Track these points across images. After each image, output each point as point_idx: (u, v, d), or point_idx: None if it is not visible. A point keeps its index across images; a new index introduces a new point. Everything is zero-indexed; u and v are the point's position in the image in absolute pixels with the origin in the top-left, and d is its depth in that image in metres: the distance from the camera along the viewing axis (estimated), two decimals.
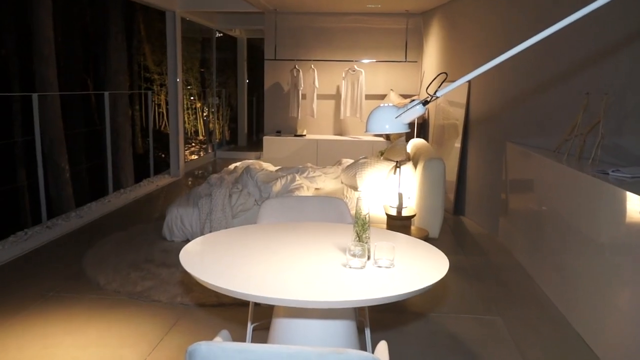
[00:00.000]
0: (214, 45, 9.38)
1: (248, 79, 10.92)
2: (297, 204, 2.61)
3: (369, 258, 1.82)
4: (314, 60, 7.64)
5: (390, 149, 4.62)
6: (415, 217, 4.14)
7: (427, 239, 3.92)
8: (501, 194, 4.47)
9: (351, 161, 5.21)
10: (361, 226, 1.86)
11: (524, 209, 3.93)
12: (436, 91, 1.61)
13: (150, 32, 12.38)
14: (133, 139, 11.01)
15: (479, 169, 5.05)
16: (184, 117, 8.18)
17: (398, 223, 3.92)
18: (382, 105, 1.76)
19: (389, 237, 2.16)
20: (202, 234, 4.04)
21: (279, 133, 7.83)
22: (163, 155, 11.40)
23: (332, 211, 2.55)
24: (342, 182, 4.84)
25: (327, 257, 1.87)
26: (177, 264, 3.56)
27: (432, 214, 4.21)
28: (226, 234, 2.17)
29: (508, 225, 4.29)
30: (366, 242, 1.85)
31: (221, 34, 10.12)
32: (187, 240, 4.05)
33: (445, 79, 1.68)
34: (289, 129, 7.97)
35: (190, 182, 6.92)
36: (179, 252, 1.89)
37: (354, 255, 1.76)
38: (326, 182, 4.92)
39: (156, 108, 13.12)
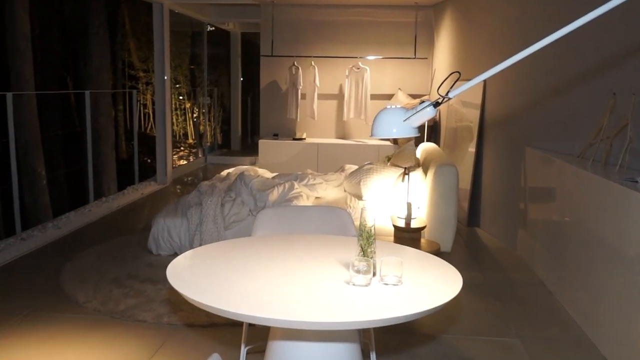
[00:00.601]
0: (205, 40, 9.42)
1: (242, 77, 10.96)
2: (296, 215, 2.61)
3: (374, 274, 1.82)
4: (314, 56, 7.66)
5: (398, 154, 4.63)
6: (425, 229, 4.13)
7: (438, 253, 3.91)
8: (520, 203, 4.46)
9: (355, 167, 5.21)
10: (366, 239, 1.86)
11: (545, 220, 3.93)
12: (448, 92, 1.62)
13: (135, 26, 12.43)
14: (116, 143, 11.03)
15: (495, 176, 5.05)
16: (172, 119, 8.20)
17: (406, 235, 3.92)
18: (388, 107, 1.77)
19: (397, 251, 2.15)
20: (191, 247, 4.04)
21: (276, 136, 7.84)
22: (149, 161, 11.42)
23: (334, 222, 2.55)
24: (345, 191, 4.84)
25: (329, 273, 1.87)
26: (164, 280, 3.55)
27: (444, 225, 4.20)
28: (218, 247, 2.17)
29: (527, 238, 4.28)
30: (371, 257, 1.85)
31: (213, 28, 10.17)
32: (175, 254, 4.05)
33: (458, 78, 1.69)
34: (287, 132, 7.98)
35: (178, 190, 6.93)
36: (166, 266, 1.89)
37: (358, 272, 1.75)
38: (328, 190, 4.92)
39: (142, 108, 13.16)
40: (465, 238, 4.94)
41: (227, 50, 10.60)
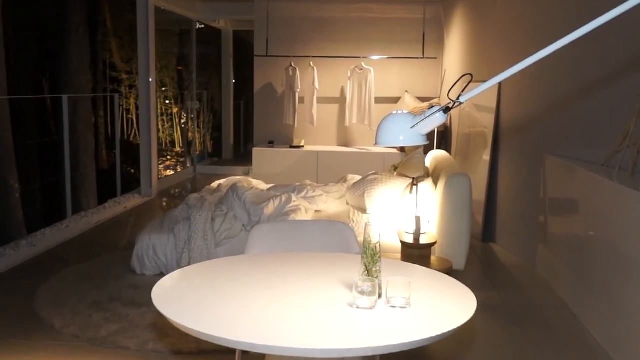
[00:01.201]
0: (194, 39, 9.47)
1: (235, 79, 11.01)
2: (294, 230, 2.61)
3: (380, 296, 1.82)
4: (313, 56, 7.71)
5: (406, 163, 4.64)
6: (435, 246, 4.13)
7: (450, 271, 3.91)
8: (539, 216, 4.47)
9: (359, 177, 5.22)
10: (371, 257, 1.86)
11: (568, 235, 3.93)
12: (459, 96, 1.63)
13: (118, 24, 12.49)
14: (96, 152, 11.06)
15: (513, 187, 5.05)
16: (157, 125, 8.22)
17: (415, 253, 3.92)
18: (394, 112, 1.78)
19: (405, 270, 2.15)
20: (179, 266, 4.03)
21: (271, 144, 7.86)
22: (132, 171, 11.43)
23: (336, 238, 2.55)
24: (347, 203, 4.85)
25: (330, 295, 1.87)
26: (149, 303, 3.54)
27: (456, 241, 4.21)
28: (208, 266, 2.17)
29: (548, 254, 4.28)
30: (377, 277, 1.85)
31: (202, 26, 10.23)
32: (161, 274, 4.04)
33: (471, 80, 1.70)
34: (284, 139, 8.01)
35: (164, 204, 6.93)
36: (151, 288, 1.89)
37: (362, 293, 1.75)
38: (328, 203, 4.93)
39: (124, 114, 13.20)
40: (479, 255, 4.93)
41: (218, 50, 10.66)
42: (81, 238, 5.24)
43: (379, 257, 1.88)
